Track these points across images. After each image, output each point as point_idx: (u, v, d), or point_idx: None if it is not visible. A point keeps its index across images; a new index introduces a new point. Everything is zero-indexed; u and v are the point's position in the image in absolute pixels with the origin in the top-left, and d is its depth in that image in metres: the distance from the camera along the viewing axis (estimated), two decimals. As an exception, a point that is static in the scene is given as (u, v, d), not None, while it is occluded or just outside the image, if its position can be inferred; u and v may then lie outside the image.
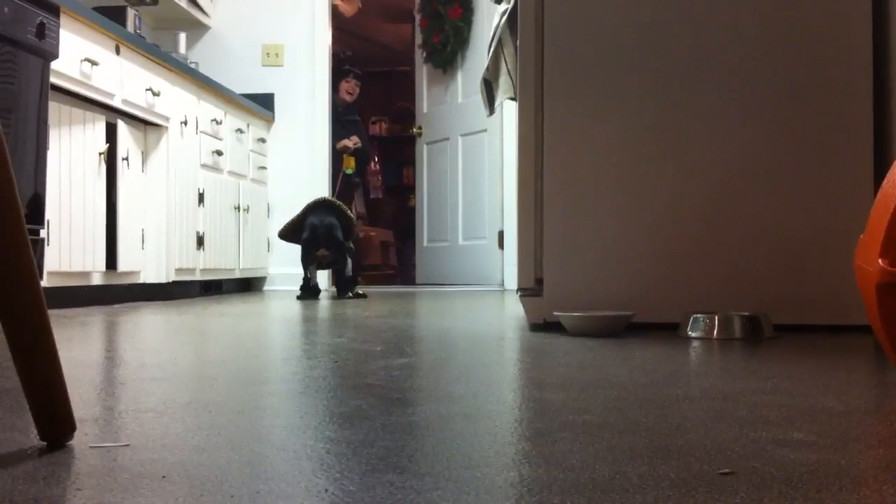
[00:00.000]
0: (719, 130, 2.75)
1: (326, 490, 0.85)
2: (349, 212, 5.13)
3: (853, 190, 2.67)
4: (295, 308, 4.11)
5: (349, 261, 5.10)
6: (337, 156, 7.15)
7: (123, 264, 4.41)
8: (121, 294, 4.51)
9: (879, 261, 1.51)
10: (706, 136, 2.76)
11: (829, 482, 0.88)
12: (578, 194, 2.80)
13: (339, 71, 7.59)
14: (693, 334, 2.51)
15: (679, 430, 1.14)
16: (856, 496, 0.83)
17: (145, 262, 4.68)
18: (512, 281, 6.49)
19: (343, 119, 7.50)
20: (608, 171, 2.79)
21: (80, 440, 1.08)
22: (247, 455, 1.01)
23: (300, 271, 5.27)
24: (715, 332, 2.48)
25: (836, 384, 1.59)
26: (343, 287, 5.19)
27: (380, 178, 9.99)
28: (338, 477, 0.90)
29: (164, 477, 0.90)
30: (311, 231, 4.88)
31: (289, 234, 5.11)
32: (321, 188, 6.70)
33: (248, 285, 6.40)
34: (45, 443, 1.06)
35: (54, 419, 1.04)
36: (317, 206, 5.01)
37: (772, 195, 2.73)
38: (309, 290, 5.10)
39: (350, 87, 7.65)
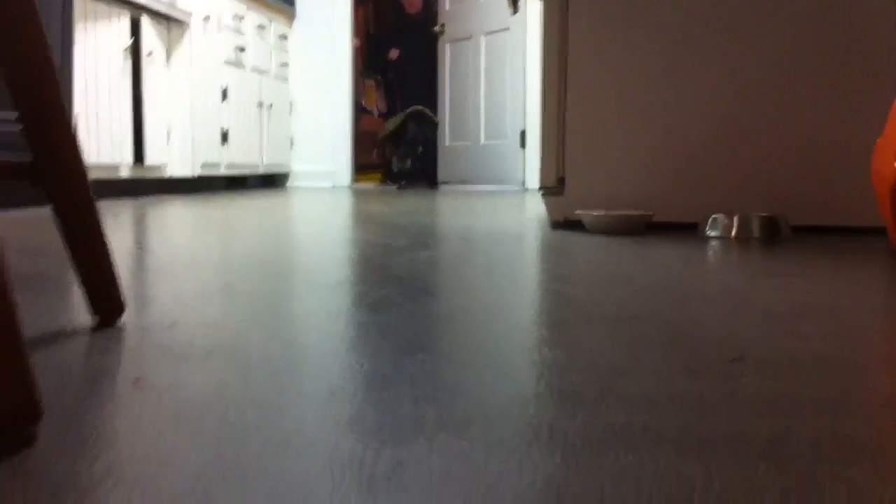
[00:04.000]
0: (745, 38, 2.74)
1: (362, 365, 0.92)
2: (435, 118, 6.80)
3: (874, 97, 2.67)
4: (320, 204, 4.17)
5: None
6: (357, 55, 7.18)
7: (150, 158, 4.47)
8: (148, 187, 4.58)
9: (895, 163, 1.55)
10: (731, 42, 2.75)
11: (832, 370, 0.93)
12: (602, 95, 2.81)
13: None
14: (712, 234, 2.55)
15: (693, 324, 1.20)
16: (856, 383, 0.89)
17: (171, 156, 4.74)
18: (533, 181, 6.52)
19: None
20: (632, 74, 2.80)
21: (128, 321, 1.15)
22: (284, 336, 1.08)
23: (322, 168, 5.76)
24: (733, 231, 2.52)
25: (848, 283, 1.64)
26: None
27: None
28: (371, 354, 0.97)
29: (210, 353, 0.97)
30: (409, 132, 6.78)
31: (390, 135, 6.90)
32: (343, 85, 6.68)
33: (272, 181, 6.46)
34: (95, 323, 1.13)
35: (105, 298, 1.11)
36: (412, 114, 6.90)
37: (794, 101, 2.73)
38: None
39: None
